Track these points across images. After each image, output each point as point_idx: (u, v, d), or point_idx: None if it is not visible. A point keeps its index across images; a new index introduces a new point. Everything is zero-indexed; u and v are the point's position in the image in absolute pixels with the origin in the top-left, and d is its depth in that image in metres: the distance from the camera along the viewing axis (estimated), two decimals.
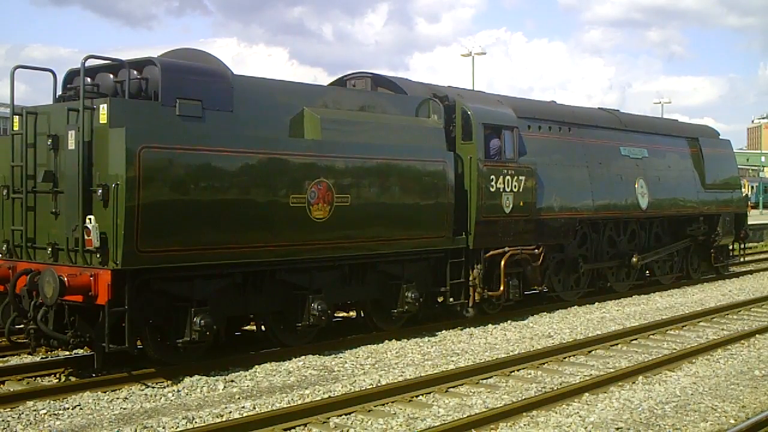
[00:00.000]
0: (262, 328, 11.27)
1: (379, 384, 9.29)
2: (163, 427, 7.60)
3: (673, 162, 18.80)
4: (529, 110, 15.05)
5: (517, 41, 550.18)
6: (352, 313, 13.62)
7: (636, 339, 12.39)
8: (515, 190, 13.59)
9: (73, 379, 9.50)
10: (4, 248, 10.12)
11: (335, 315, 12.82)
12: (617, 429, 7.75)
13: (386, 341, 11.84)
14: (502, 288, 13.49)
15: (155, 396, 8.79)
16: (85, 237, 8.96)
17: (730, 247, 21.42)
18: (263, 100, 10.50)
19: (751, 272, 22.32)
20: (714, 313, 14.76)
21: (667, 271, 19.09)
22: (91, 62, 9.74)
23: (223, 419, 7.87)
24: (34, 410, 8.13)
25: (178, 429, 7.59)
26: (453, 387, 9.26)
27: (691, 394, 9.08)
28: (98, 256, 8.95)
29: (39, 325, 9.20)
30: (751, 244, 29.10)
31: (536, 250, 14.17)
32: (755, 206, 61.32)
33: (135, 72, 9.74)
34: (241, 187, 9.83)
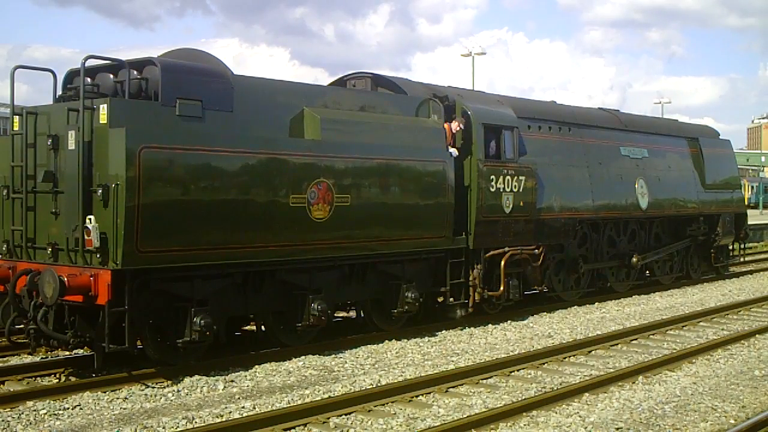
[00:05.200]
0: (262, 328, 11.27)
1: (379, 384, 9.29)
2: (163, 427, 7.61)
3: (673, 162, 18.80)
4: (529, 110, 15.06)
5: (518, 41, 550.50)
6: (352, 313, 13.63)
7: (636, 339, 12.39)
8: (515, 190, 13.59)
9: (73, 379, 9.50)
10: (4, 248, 10.11)
11: (335, 315, 12.82)
12: (617, 429, 7.75)
13: (386, 341, 11.84)
14: (502, 288, 13.49)
15: (155, 396, 8.79)
16: (85, 237, 8.96)
17: (730, 247, 21.42)
18: (263, 100, 10.50)
19: (751, 272, 22.31)
20: (714, 313, 14.76)
21: (667, 271, 19.08)
22: (91, 62, 9.74)
23: (223, 419, 7.87)
24: (34, 410, 8.13)
25: (178, 429, 7.59)
26: (453, 387, 9.26)
27: (691, 394, 9.08)
28: (98, 256, 8.94)
29: (39, 325, 9.21)
30: (751, 244, 29.09)
31: (536, 250, 14.17)
32: (755, 206, 61.20)
33: (135, 72, 9.74)
34: (241, 187, 9.83)
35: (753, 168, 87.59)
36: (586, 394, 8.93)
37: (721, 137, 21.65)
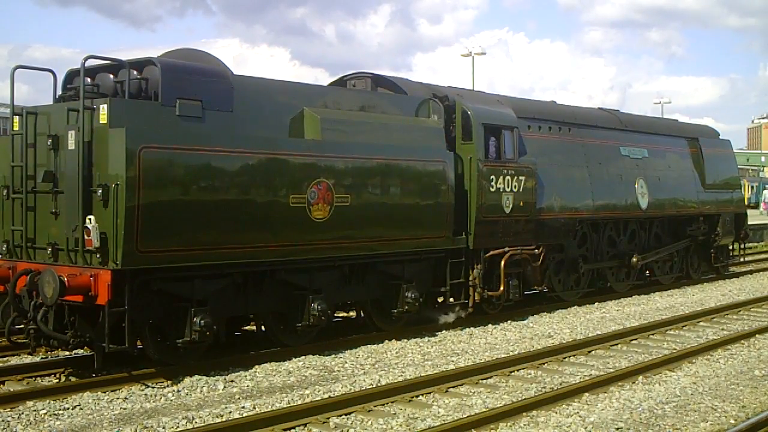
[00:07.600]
0: (262, 328, 11.27)
1: (379, 384, 9.29)
2: (163, 427, 7.61)
3: (673, 162, 18.80)
4: (529, 110, 15.06)
5: (518, 42, 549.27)
6: (352, 313, 13.63)
7: (636, 339, 12.39)
8: (515, 190, 13.59)
9: (73, 379, 9.50)
10: (4, 248, 10.12)
11: (335, 315, 12.82)
12: (617, 429, 7.76)
13: (386, 341, 11.84)
14: (502, 288, 13.50)
15: (155, 396, 8.80)
16: (85, 237, 8.96)
17: (730, 247, 21.42)
18: (263, 100, 10.50)
19: (751, 272, 22.31)
20: (714, 313, 14.76)
21: (667, 271, 19.09)
22: (91, 62, 9.74)
23: (223, 419, 7.87)
24: (34, 410, 8.14)
25: (178, 429, 7.59)
26: (453, 387, 9.26)
27: (691, 394, 9.08)
28: (98, 256, 8.94)
29: (39, 325, 9.20)
30: (751, 244, 29.09)
31: (536, 250, 14.17)
32: (755, 206, 61.12)
33: (135, 72, 9.74)
34: (241, 187, 9.84)
35: (753, 168, 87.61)
36: (586, 394, 8.93)
37: (721, 137, 21.65)
